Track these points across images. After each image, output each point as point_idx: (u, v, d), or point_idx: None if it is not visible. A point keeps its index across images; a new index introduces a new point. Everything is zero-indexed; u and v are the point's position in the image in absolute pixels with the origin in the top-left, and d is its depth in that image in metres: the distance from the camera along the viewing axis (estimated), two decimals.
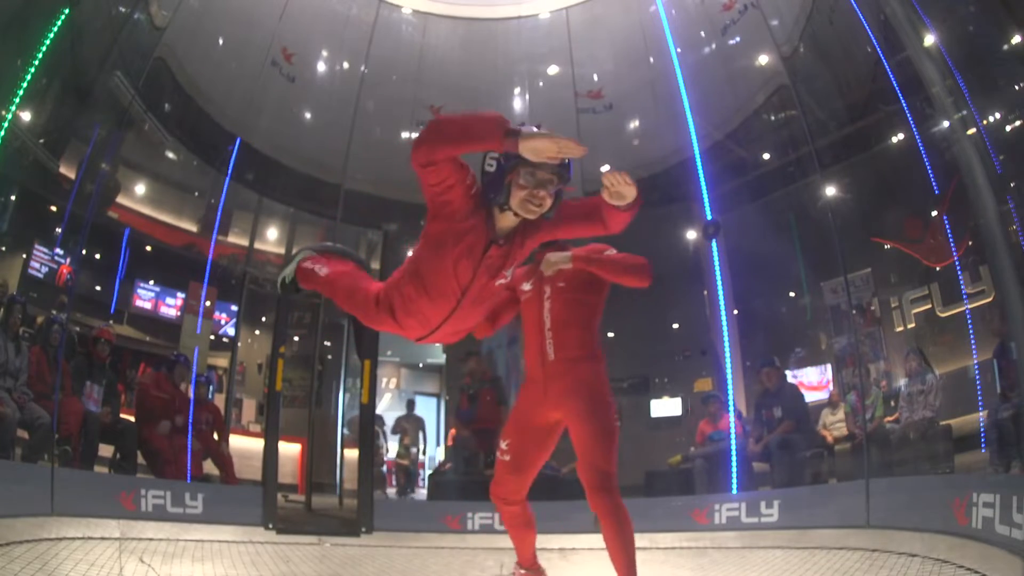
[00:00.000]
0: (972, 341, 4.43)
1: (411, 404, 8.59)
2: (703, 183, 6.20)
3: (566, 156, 1.79)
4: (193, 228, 6.83)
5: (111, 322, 5.98)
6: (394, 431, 8.16)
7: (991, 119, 4.25)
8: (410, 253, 2.41)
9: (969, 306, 4.45)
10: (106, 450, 5.12)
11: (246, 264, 6.83)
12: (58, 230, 5.62)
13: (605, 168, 1.90)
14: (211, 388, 6.11)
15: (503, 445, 2.66)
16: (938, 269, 4.89)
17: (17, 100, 4.74)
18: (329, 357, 8.03)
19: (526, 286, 2.74)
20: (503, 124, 1.76)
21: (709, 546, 4.68)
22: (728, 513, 4.96)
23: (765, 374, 5.63)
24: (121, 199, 6.25)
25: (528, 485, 2.67)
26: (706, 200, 6.17)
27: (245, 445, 6.27)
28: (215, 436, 5.84)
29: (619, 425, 2.60)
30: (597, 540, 4.53)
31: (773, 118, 6.48)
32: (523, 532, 2.75)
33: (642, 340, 7.11)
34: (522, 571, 2.84)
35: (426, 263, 2.03)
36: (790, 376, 5.94)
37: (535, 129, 1.77)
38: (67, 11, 5.00)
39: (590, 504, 2.48)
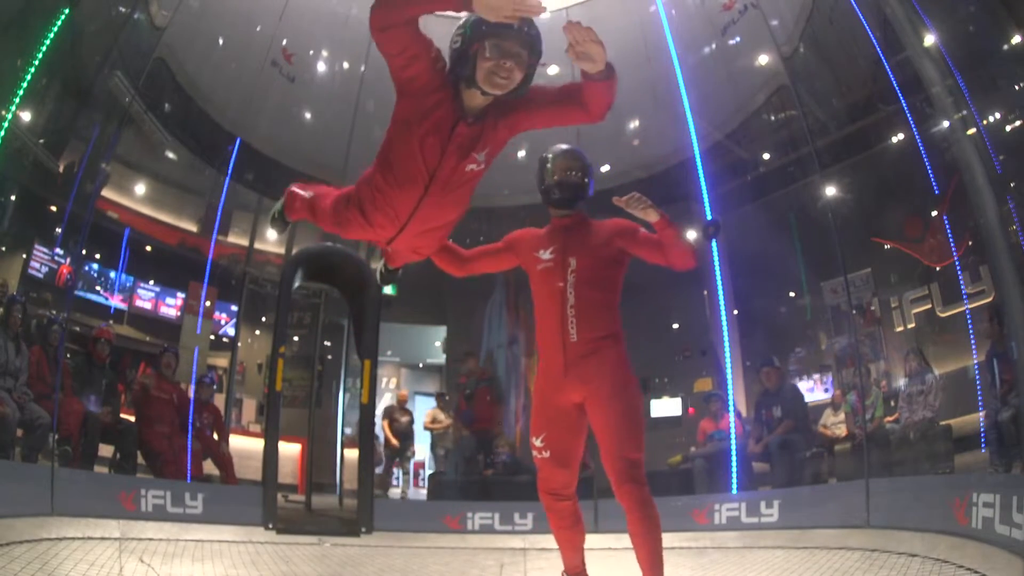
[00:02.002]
0: (972, 341, 4.43)
1: (441, 397, 8.38)
2: (703, 183, 6.20)
3: (524, 14, 1.72)
4: (193, 228, 6.83)
5: (111, 322, 5.99)
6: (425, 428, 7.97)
7: (991, 119, 4.25)
8: None
9: (969, 306, 4.45)
10: (106, 450, 5.12)
11: (246, 264, 6.83)
12: (58, 230, 5.62)
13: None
14: (213, 389, 6.10)
15: (537, 442, 2.43)
16: (938, 269, 4.89)
17: (17, 100, 4.74)
18: (329, 357, 8.03)
19: (544, 254, 2.46)
20: None
21: (709, 546, 4.68)
22: (728, 513, 4.96)
23: (765, 374, 5.63)
24: (121, 199, 6.26)
25: (576, 477, 2.47)
26: (706, 200, 6.16)
27: (245, 445, 6.27)
28: (215, 436, 5.84)
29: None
30: (597, 540, 4.53)
31: (773, 118, 6.48)
32: (572, 533, 2.50)
33: (642, 340, 7.09)
34: None
35: (394, 146, 1.96)
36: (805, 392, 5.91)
37: None
38: (67, 11, 5.00)
39: (617, 496, 2.26)
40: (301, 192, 2.35)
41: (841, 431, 5.34)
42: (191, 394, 5.79)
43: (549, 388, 2.43)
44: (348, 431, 7.53)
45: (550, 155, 2.56)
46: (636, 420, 2.32)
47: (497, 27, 1.77)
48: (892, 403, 5.00)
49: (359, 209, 2.06)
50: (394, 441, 7.37)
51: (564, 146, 2.58)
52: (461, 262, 2.61)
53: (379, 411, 7.39)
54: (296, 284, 6.31)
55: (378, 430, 7.18)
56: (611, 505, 5.38)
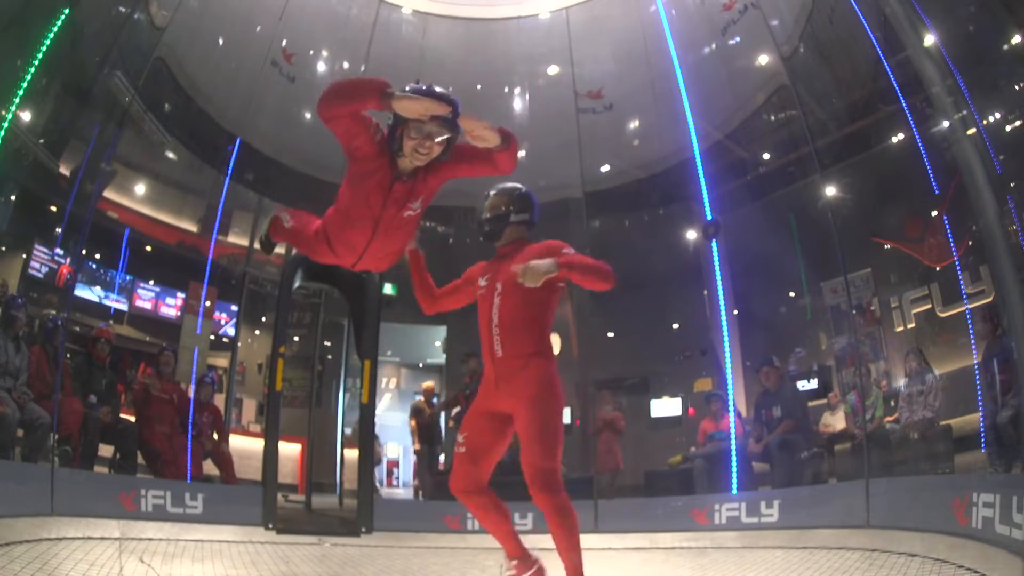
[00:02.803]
0: (972, 341, 4.43)
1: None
2: (703, 183, 6.20)
3: (432, 114, 2.13)
4: (193, 228, 6.83)
5: (111, 322, 5.99)
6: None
7: (991, 119, 4.25)
8: None
9: (969, 306, 4.45)
10: (106, 450, 5.12)
11: (246, 264, 6.83)
12: (58, 230, 5.62)
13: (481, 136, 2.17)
14: (213, 388, 6.09)
15: (460, 438, 2.72)
16: (938, 269, 4.89)
17: (17, 100, 4.74)
18: (329, 357, 8.03)
19: (482, 282, 2.78)
20: (383, 87, 2.11)
21: (709, 546, 4.68)
22: (728, 513, 4.96)
23: (764, 374, 5.63)
24: (121, 199, 6.25)
25: (486, 477, 2.69)
26: (706, 200, 6.16)
27: (245, 445, 6.27)
28: (215, 436, 5.84)
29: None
30: (597, 540, 4.53)
31: (773, 118, 6.48)
32: (497, 522, 2.70)
33: (642, 340, 7.11)
34: (513, 562, 2.72)
35: (347, 197, 2.43)
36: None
37: (410, 90, 2.13)
38: (67, 11, 5.00)
39: (534, 501, 2.46)
40: (283, 220, 2.80)
41: (842, 427, 5.34)
42: (191, 394, 5.79)
43: (484, 396, 2.74)
44: (348, 431, 7.53)
45: (485, 195, 2.92)
46: (552, 432, 2.52)
47: None
48: (892, 403, 5.00)
49: (327, 243, 2.56)
50: (417, 446, 7.30)
51: (498, 186, 2.90)
52: (433, 299, 2.93)
53: (379, 409, 7.34)
54: (296, 284, 6.30)
55: (379, 430, 7.17)
56: (611, 505, 5.37)
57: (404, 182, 2.37)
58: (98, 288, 6.14)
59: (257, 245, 2.96)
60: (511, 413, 2.61)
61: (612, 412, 6.46)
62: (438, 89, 2.19)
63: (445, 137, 2.26)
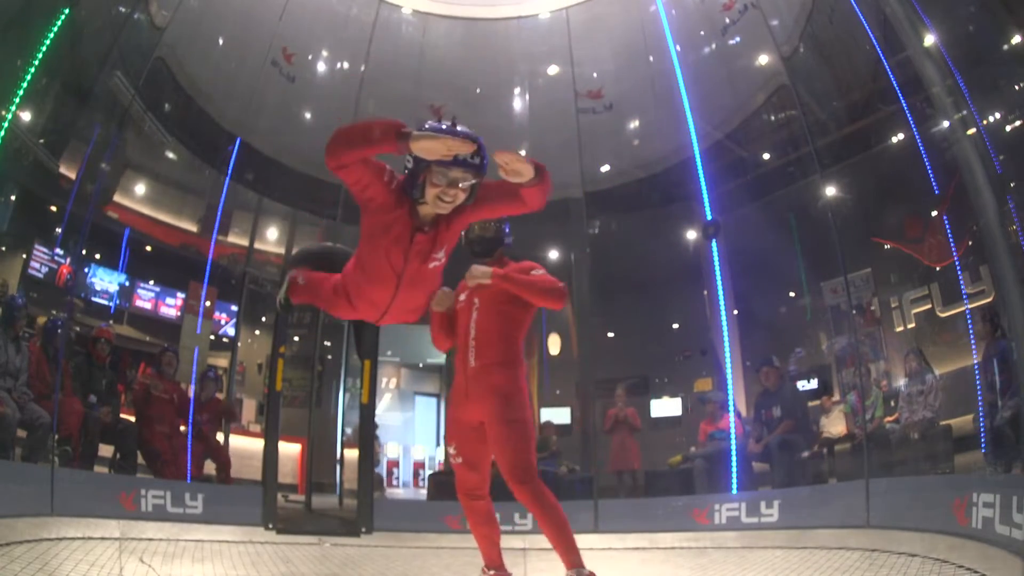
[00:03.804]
0: (972, 341, 4.43)
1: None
2: (703, 183, 6.20)
3: (455, 154, 1.88)
4: (193, 228, 6.83)
5: (111, 322, 5.99)
6: None
7: (991, 119, 4.25)
8: None
9: (969, 306, 4.45)
10: (106, 450, 5.12)
11: (246, 264, 6.83)
12: (58, 230, 5.62)
13: (503, 156, 1.93)
14: (216, 384, 6.08)
15: (451, 450, 2.87)
16: (938, 269, 4.89)
17: (17, 100, 4.74)
18: (329, 357, 8.02)
19: (461, 297, 2.95)
20: (397, 127, 1.88)
21: (709, 546, 4.68)
22: (728, 513, 4.96)
23: (764, 374, 5.63)
24: (121, 199, 6.25)
25: (488, 479, 2.83)
26: (706, 200, 6.17)
27: (245, 445, 6.27)
28: (219, 432, 5.84)
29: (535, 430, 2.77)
30: (597, 540, 4.53)
31: (773, 118, 6.48)
32: (488, 530, 2.85)
33: (642, 340, 7.11)
34: (491, 572, 2.87)
35: (364, 254, 2.23)
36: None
37: (429, 128, 1.91)
38: (67, 11, 5.00)
39: (515, 497, 2.61)
40: (297, 280, 2.73)
41: (838, 429, 5.34)
42: (191, 394, 5.79)
43: (456, 405, 2.88)
44: (348, 431, 7.53)
45: None
46: (523, 431, 2.69)
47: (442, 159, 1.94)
48: (892, 403, 5.00)
49: (346, 299, 2.39)
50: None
51: None
52: (447, 338, 3.03)
53: (379, 410, 7.33)
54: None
55: (379, 430, 7.16)
56: (611, 505, 5.39)
57: (426, 232, 2.15)
58: (98, 288, 6.14)
59: (278, 308, 2.94)
60: (481, 418, 2.75)
61: (626, 409, 6.42)
62: (460, 128, 1.96)
63: (471, 183, 2.03)
